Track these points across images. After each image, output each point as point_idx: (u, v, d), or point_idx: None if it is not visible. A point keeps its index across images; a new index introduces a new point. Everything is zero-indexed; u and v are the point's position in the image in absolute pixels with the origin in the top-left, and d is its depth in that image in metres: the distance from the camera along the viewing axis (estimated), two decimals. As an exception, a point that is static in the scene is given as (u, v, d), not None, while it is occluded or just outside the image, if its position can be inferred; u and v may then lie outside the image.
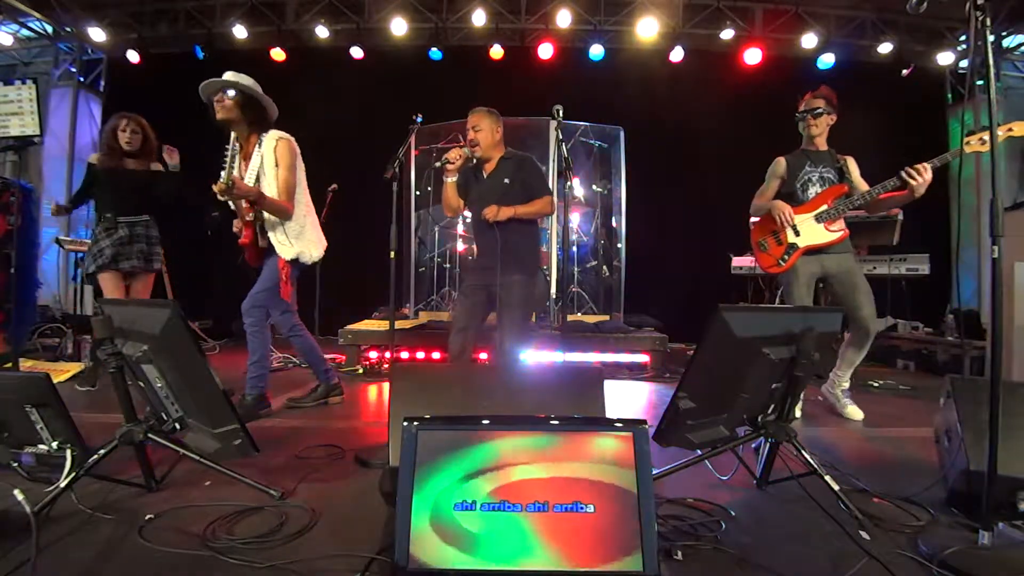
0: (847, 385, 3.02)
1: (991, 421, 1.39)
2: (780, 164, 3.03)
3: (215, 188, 2.50)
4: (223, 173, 2.47)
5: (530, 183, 2.83)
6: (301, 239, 2.87)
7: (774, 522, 1.66)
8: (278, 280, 2.83)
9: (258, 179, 2.77)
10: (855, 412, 2.95)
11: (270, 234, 2.84)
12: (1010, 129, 2.27)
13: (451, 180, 2.87)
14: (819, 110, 2.89)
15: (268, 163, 2.77)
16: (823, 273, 2.92)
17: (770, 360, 1.66)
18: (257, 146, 2.79)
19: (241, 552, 1.38)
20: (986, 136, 2.24)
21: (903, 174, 2.57)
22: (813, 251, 2.88)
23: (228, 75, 2.77)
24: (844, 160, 2.91)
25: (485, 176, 2.88)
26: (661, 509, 1.64)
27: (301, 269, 2.95)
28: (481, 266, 2.87)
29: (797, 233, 2.87)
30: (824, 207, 2.84)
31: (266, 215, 2.80)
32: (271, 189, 2.76)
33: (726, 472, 1.92)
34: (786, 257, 2.92)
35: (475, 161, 2.87)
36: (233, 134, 2.60)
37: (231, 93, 2.69)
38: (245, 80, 2.78)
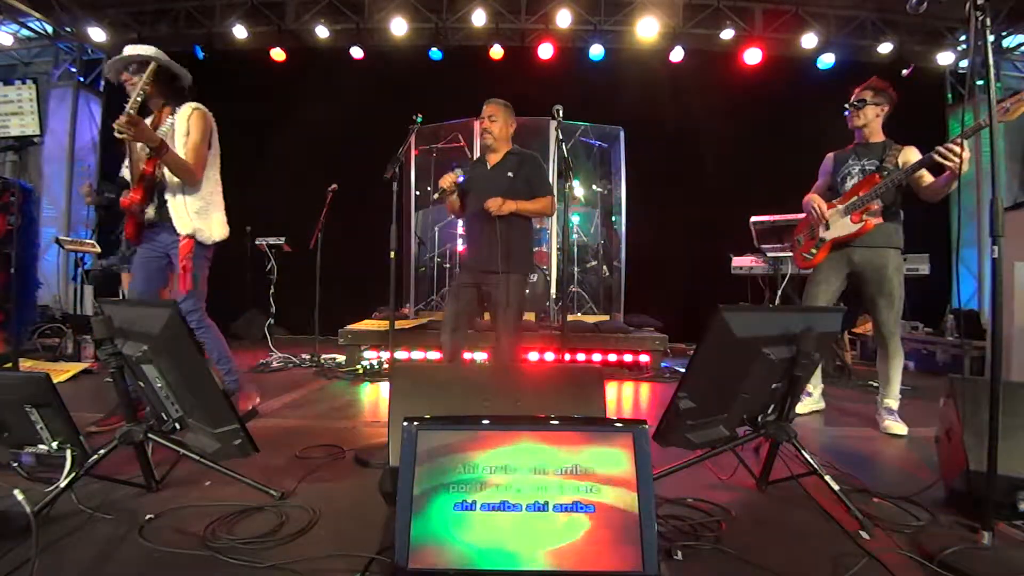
0: (889, 403, 2.77)
1: (991, 421, 1.39)
2: (827, 160, 2.98)
3: (115, 124, 2.27)
4: (126, 107, 2.29)
5: (533, 181, 2.83)
6: (202, 216, 2.63)
7: (774, 522, 1.66)
8: (190, 271, 2.57)
9: None
10: (893, 427, 2.70)
11: (169, 203, 2.58)
12: (1021, 100, 2.16)
13: (452, 197, 2.90)
14: (863, 101, 2.78)
15: (179, 131, 2.56)
16: (851, 270, 2.81)
17: (770, 360, 1.66)
18: (169, 116, 2.60)
19: (241, 552, 1.38)
20: (1008, 104, 2.17)
21: (936, 156, 2.40)
22: (841, 245, 2.79)
23: (128, 49, 2.58)
24: (898, 149, 2.72)
25: (489, 167, 2.89)
26: (661, 509, 1.64)
27: (203, 254, 2.68)
28: (475, 263, 2.84)
29: (827, 227, 2.81)
30: (854, 198, 2.73)
31: (168, 180, 2.57)
32: (141, 150, 2.53)
33: (726, 472, 1.92)
34: (814, 251, 2.86)
35: (479, 153, 2.88)
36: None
37: (134, 68, 2.52)
38: (146, 51, 2.56)
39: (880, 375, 2.83)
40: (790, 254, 3.08)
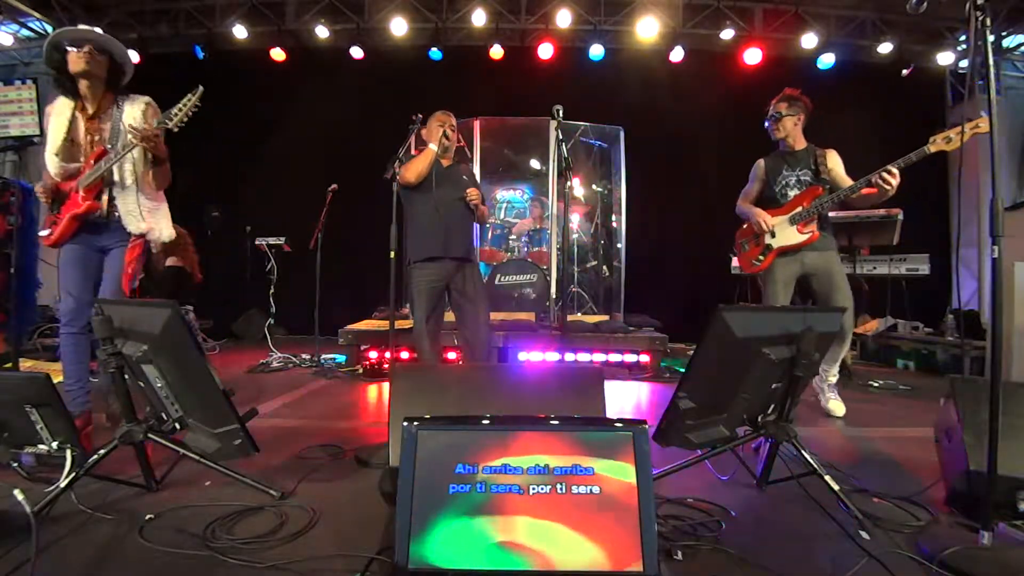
0: (834, 380, 3.04)
1: (991, 421, 1.39)
2: (759, 167, 3.11)
3: (141, 131, 2.22)
4: (168, 122, 2.27)
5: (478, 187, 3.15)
6: (154, 216, 2.47)
7: (774, 522, 1.66)
8: (122, 271, 2.37)
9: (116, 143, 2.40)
10: (836, 407, 2.96)
11: (120, 204, 2.39)
12: (976, 126, 2.22)
13: (435, 149, 2.97)
14: (779, 114, 2.94)
15: (139, 126, 2.32)
16: (803, 271, 2.95)
17: (770, 360, 1.66)
18: (115, 107, 2.41)
19: (241, 552, 1.38)
20: (952, 134, 2.29)
21: (879, 180, 2.59)
22: (789, 251, 2.93)
23: (84, 29, 2.37)
24: (823, 155, 2.90)
25: (445, 167, 3.06)
26: (661, 509, 1.64)
27: (146, 256, 2.50)
28: (445, 250, 2.94)
29: (773, 235, 2.96)
30: (799, 209, 2.89)
31: (120, 178, 2.38)
32: (138, 154, 2.39)
33: (726, 472, 1.92)
34: (761, 258, 3.01)
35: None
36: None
37: (100, 48, 2.34)
38: (98, 33, 2.37)
39: (828, 356, 2.98)
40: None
